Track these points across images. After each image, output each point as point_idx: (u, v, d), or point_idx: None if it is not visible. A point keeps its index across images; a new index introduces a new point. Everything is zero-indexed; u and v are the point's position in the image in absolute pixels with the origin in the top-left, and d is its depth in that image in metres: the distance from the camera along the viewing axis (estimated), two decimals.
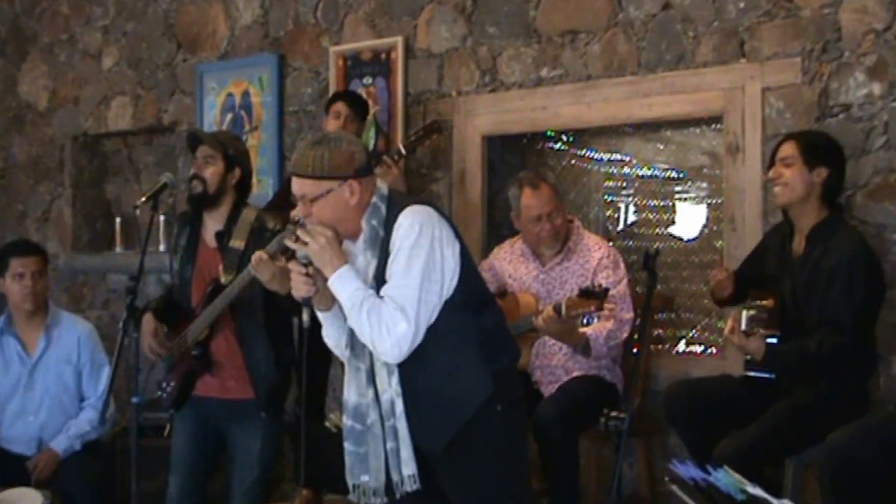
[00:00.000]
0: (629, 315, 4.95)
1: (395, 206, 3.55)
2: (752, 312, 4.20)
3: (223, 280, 4.51)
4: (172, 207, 7.08)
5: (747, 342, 4.21)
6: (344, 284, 3.49)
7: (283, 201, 5.78)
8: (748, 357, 4.38)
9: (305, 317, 3.62)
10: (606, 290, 4.61)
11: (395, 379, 3.54)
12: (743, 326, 4.19)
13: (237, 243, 4.55)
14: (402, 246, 3.46)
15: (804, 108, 4.95)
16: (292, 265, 3.61)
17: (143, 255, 4.46)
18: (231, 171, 4.61)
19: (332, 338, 3.71)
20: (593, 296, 4.57)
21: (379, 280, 3.51)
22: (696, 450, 4.45)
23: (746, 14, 5.11)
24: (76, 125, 7.88)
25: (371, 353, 3.57)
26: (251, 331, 4.54)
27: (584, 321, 4.74)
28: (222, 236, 4.58)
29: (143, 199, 4.53)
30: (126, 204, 7.90)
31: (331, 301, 3.61)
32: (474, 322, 3.56)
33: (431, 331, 3.47)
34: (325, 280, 3.53)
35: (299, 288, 3.58)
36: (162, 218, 7.02)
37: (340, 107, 5.73)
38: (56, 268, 7.76)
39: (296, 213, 3.60)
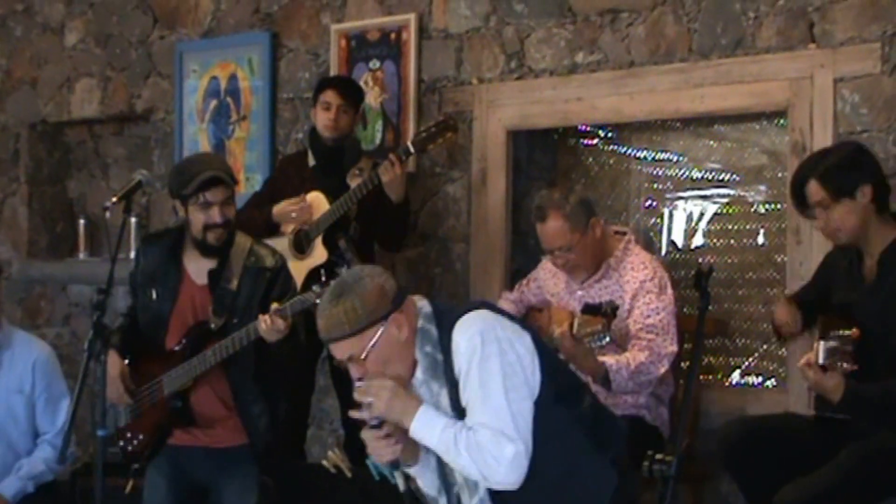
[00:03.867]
0: (671, 349, 4.92)
1: (444, 322, 3.57)
2: (832, 344, 4.14)
3: (213, 325, 4.56)
4: (146, 209, 7.09)
5: (824, 379, 4.16)
6: (429, 428, 3.52)
7: (261, 207, 5.82)
8: (817, 393, 4.36)
9: (401, 483, 3.65)
10: (615, 307, 4.64)
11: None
12: (820, 360, 4.14)
13: (229, 282, 4.60)
14: (471, 367, 3.48)
15: (883, 102, 4.95)
16: (365, 433, 3.63)
17: (114, 263, 4.45)
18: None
19: (432, 487, 3.74)
20: (599, 313, 4.61)
21: (456, 409, 3.54)
22: (755, 498, 4.44)
23: None
24: (34, 111, 7.89)
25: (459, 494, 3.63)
26: (245, 384, 4.63)
27: (597, 343, 4.75)
28: (216, 275, 4.63)
29: (115, 199, 4.53)
30: (91, 204, 7.91)
31: (416, 452, 3.66)
32: (575, 412, 3.58)
33: (535, 438, 3.50)
34: (405, 432, 3.56)
35: (382, 454, 3.61)
36: (134, 220, 7.02)
37: (331, 96, 5.74)
38: (9, 277, 7.76)
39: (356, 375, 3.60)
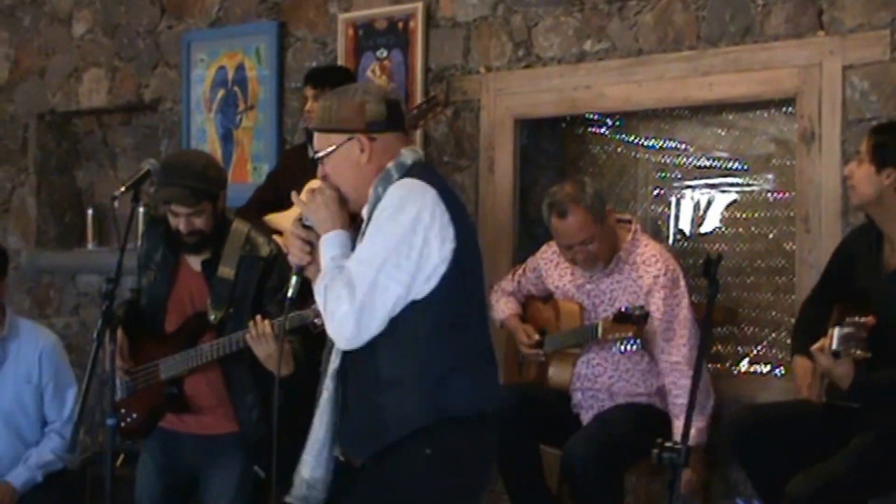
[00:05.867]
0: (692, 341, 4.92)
1: (405, 176, 3.52)
2: (847, 330, 4.12)
3: (212, 317, 4.56)
4: (154, 198, 7.06)
5: (834, 365, 4.16)
6: (326, 249, 3.52)
7: (263, 201, 5.79)
8: (828, 381, 4.34)
9: (291, 288, 3.63)
10: (646, 314, 4.69)
11: (335, 364, 3.56)
12: (834, 345, 4.12)
13: (226, 272, 4.61)
14: (378, 217, 3.44)
15: (893, 89, 4.92)
16: (293, 226, 3.64)
17: (122, 253, 4.41)
18: (217, 201, 4.62)
19: None
20: (630, 320, 4.67)
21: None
22: (765, 487, 4.44)
23: None
24: (42, 101, 7.88)
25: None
26: (239, 374, 4.60)
27: (623, 348, 4.78)
28: (209, 265, 4.62)
29: (123, 188, 4.50)
30: (100, 193, 7.91)
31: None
32: (444, 341, 3.46)
33: (390, 329, 3.43)
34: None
35: (294, 254, 3.62)
36: (142, 210, 6.99)
37: (307, 91, 5.74)
38: (17, 266, 7.76)
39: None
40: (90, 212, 7.83)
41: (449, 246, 3.43)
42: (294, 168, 5.88)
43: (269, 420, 4.63)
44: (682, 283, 4.97)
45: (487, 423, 3.56)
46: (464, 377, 3.49)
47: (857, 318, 4.16)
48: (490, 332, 3.68)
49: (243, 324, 4.41)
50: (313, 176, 5.65)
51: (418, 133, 5.97)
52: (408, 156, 3.56)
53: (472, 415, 3.50)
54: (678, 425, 4.70)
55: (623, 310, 4.75)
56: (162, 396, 4.65)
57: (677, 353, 4.86)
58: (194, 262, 4.67)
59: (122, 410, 4.72)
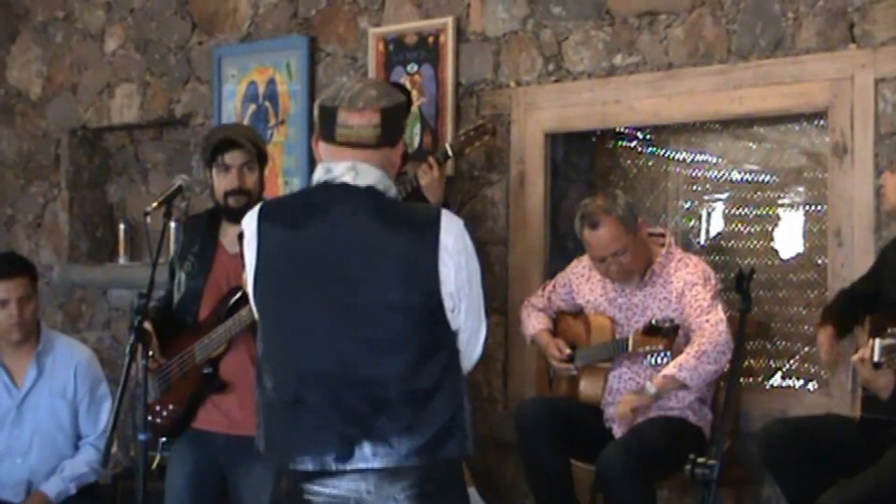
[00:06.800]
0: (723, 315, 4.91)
1: None
2: (888, 341, 4.11)
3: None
4: (186, 213, 7.10)
5: (875, 376, 4.16)
6: None
7: None
8: (864, 394, 4.33)
9: None
10: (676, 326, 4.71)
11: None
12: (875, 357, 4.12)
13: None
14: None
15: None
16: None
17: (154, 267, 4.42)
18: (264, 169, 4.70)
19: None
20: (661, 332, 4.67)
21: None
22: (796, 498, 4.42)
23: None
24: (74, 117, 7.91)
25: None
26: None
27: (654, 361, 4.77)
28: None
29: (155, 203, 4.52)
30: (131, 208, 7.94)
31: None
32: (258, 379, 3.53)
33: None
34: None
35: None
36: (174, 225, 7.02)
37: None
38: (49, 281, 7.80)
39: None
40: (122, 227, 7.86)
41: (253, 246, 3.46)
42: None
43: None
44: (713, 280, 5.01)
45: (290, 479, 3.44)
46: (261, 422, 3.54)
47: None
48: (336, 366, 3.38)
49: None
50: None
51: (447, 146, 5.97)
52: (316, 174, 3.49)
53: (279, 462, 3.50)
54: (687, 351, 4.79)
55: (653, 322, 4.75)
56: (198, 379, 4.63)
57: (714, 322, 4.83)
58: (230, 245, 4.67)
59: (157, 408, 4.72)
